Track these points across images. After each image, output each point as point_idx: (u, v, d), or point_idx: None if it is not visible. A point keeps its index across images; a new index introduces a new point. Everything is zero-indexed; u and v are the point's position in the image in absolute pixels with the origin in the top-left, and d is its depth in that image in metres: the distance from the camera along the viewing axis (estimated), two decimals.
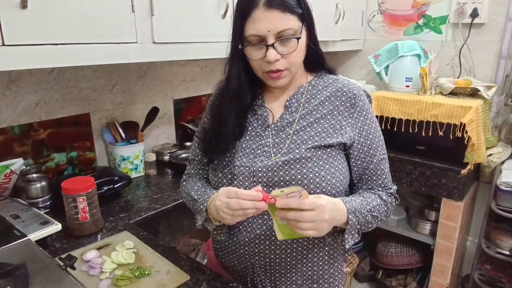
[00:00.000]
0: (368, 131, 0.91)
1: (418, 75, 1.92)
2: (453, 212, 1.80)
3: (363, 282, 2.37)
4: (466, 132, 1.66)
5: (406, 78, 1.99)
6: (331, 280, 0.97)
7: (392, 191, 0.95)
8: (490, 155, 1.86)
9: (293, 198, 0.74)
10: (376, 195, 0.91)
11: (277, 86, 0.91)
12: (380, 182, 0.93)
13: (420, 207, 2.16)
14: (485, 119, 1.84)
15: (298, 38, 0.83)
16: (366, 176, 0.93)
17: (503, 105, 2.00)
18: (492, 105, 1.99)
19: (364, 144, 0.91)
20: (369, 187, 0.94)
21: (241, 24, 0.83)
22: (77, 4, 1.02)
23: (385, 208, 0.92)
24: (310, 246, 0.91)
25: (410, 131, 1.82)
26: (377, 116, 1.88)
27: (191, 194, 0.96)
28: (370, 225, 0.88)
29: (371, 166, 0.92)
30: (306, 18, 0.85)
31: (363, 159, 0.92)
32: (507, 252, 1.75)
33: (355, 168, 0.93)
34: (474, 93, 1.85)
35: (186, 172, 1.07)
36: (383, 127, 1.86)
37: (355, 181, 0.95)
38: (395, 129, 1.86)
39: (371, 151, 0.91)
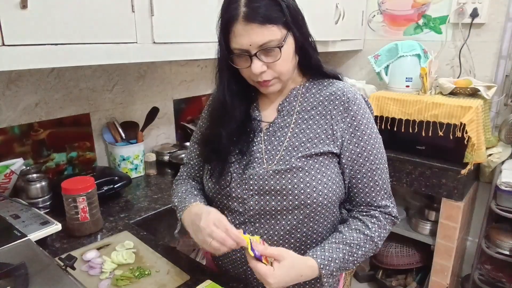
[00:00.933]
0: (360, 138, 0.87)
1: (418, 75, 1.91)
2: (453, 212, 1.80)
3: (363, 282, 2.37)
4: (466, 132, 1.66)
5: (406, 78, 1.99)
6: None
7: (390, 210, 0.89)
8: (490, 155, 1.86)
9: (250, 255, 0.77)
10: (368, 237, 0.85)
11: (269, 93, 0.89)
12: (374, 194, 0.88)
13: (420, 207, 2.16)
14: (485, 119, 1.84)
15: (280, 47, 0.79)
16: (357, 188, 0.89)
17: (503, 105, 2.00)
18: (492, 105, 1.99)
19: (353, 151, 0.87)
20: (362, 200, 0.89)
21: (225, 38, 0.81)
22: (77, 4, 1.02)
23: (375, 249, 0.87)
24: (302, 253, 0.90)
25: (410, 131, 1.82)
26: (377, 116, 1.89)
27: (174, 201, 0.97)
28: (350, 269, 0.87)
29: (359, 176, 0.87)
30: (292, 25, 0.80)
31: (351, 167, 0.87)
32: (507, 252, 1.75)
33: (344, 177, 0.88)
34: (474, 93, 1.85)
35: (179, 174, 1.07)
36: (383, 127, 1.87)
37: (347, 194, 0.91)
38: (395, 129, 1.86)
39: (361, 160, 0.87)
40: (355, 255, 0.84)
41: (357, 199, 0.90)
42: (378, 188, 0.89)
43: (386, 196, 0.90)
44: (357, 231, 0.86)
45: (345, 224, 0.89)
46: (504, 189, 1.69)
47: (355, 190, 0.89)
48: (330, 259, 0.81)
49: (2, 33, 0.89)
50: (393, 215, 0.90)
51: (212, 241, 0.78)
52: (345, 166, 0.88)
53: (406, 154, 1.86)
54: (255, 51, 0.79)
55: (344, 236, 0.85)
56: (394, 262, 2.18)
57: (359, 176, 0.88)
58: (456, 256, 1.93)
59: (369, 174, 0.88)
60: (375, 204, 0.89)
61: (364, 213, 0.89)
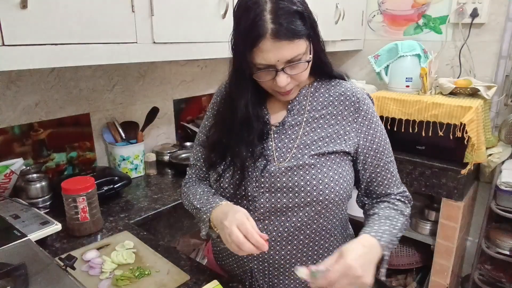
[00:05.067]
0: (374, 135, 0.90)
1: (418, 75, 1.91)
2: (453, 212, 1.80)
3: None
4: (466, 132, 1.66)
5: (406, 78, 1.99)
6: None
7: (407, 193, 0.96)
8: (490, 155, 1.86)
9: (320, 277, 0.72)
10: (398, 211, 0.90)
11: (287, 100, 0.91)
12: (392, 185, 0.94)
13: (420, 207, 2.16)
14: (485, 119, 1.84)
15: (308, 62, 0.82)
16: (376, 181, 0.93)
17: (503, 105, 2.00)
18: (492, 105, 1.99)
19: (370, 148, 0.90)
20: (382, 192, 0.93)
21: (248, 52, 0.79)
22: (77, 4, 1.02)
23: (406, 224, 0.90)
24: (310, 253, 0.91)
25: (410, 131, 1.82)
26: None
27: (194, 203, 0.93)
28: (395, 246, 0.86)
29: (378, 170, 0.91)
30: (312, 34, 0.82)
31: (370, 163, 0.91)
32: (507, 252, 1.75)
33: (363, 172, 0.92)
34: (474, 93, 1.85)
35: (187, 177, 1.05)
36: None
37: (365, 186, 0.94)
38: (395, 129, 1.86)
39: (378, 155, 0.91)
40: (396, 227, 0.85)
41: (377, 192, 0.94)
42: (394, 178, 0.94)
43: (399, 183, 0.96)
44: (388, 208, 0.91)
45: (373, 208, 0.92)
46: (504, 189, 1.69)
47: (375, 184, 0.93)
48: (381, 231, 0.82)
49: (2, 33, 0.89)
50: (409, 197, 0.96)
51: (231, 243, 0.77)
52: (364, 162, 0.91)
53: (406, 154, 1.86)
54: (282, 66, 0.79)
55: (380, 214, 0.88)
56: (394, 262, 2.18)
57: (378, 170, 0.92)
58: (456, 256, 1.93)
59: (386, 167, 0.92)
60: (395, 192, 0.94)
61: (387, 199, 0.94)
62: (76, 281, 0.73)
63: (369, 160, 0.91)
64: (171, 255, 1.03)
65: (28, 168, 1.35)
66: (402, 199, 0.94)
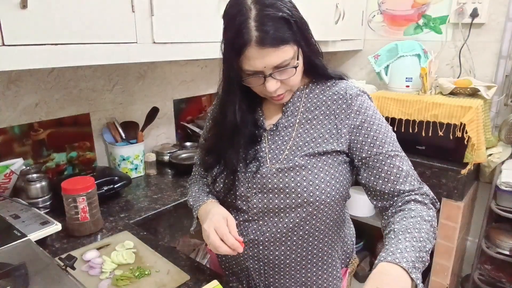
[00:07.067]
0: (369, 128, 0.86)
1: (418, 75, 1.92)
2: (453, 212, 1.80)
3: (363, 282, 2.36)
4: (466, 132, 1.66)
5: (406, 78, 1.99)
6: (325, 286, 0.96)
7: (424, 190, 0.85)
8: (490, 155, 1.86)
9: None
10: (417, 217, 0.77)
11: (280, 103, 0.91)
12: (402, 181, 0.84)
13: None
14: (485, 119, 1.84)
15: (296, 67, 0.81)
16: (381, 177, 0.85)
17: (503, 105, 2.00)
18: (492, 105, 1.99)
19: (364, 142, 0.86)
20: (391, 189, 0.84)
21: (235, 60, 0.80)
22: (77, 4, 1.02)
23: (432, 230, 0.77)
24: (304, 253, 0.91)
25: (410, 131, 1.82)
26: None
27: (189, 200, 1.01)
28: (427, 259, 0.75)
29: (378, 164, 0.84)
30: (301, 40, 0.81)
31: (368, 158, 0.85)
32: (507, 252, 1.75)
33: (364, 168, 0.86)
34: (474, 93, 1.85)
35: (192, 174, 1.10)
36: None
37: (371, 186, 0.86)
38: (395, 129, 1.84)
39: (375, 149, 0.85)
40: (420, 239, 0.73)
41: (386, 190, 0.85)
42: (403, 174, 0.84)
43: (416, 182, 0.86)
44: (404, 218, 0.78)
45: (389, 225, 0.81)
46: (504, 189, 1.69)
47: (380, 181, 0.85)
48: (399, 251, 0.70)
49: (2, 33, 0.90)
50: (430, 195, 0.85)
51: (209, 245, 0.83)
52: (360, 158, 0.86)
53: (406, 154, 1.85)
54: (270, 72, 0.80)
55: (395, 229, 0.77)
56: None
57: (378, 165, 0.85)
58: (456, 256, 1.93)
59: (388, 161, 0.85)
60: (407, 189, 0.84)
61: (400, 204, 0.83)
62: (76, 281, 0.73)
63: (364, 154, 0.86)
64: (171, 255, 1.03)
65: (28, 168, 1.35)
66: (420, 199, 0.82)
